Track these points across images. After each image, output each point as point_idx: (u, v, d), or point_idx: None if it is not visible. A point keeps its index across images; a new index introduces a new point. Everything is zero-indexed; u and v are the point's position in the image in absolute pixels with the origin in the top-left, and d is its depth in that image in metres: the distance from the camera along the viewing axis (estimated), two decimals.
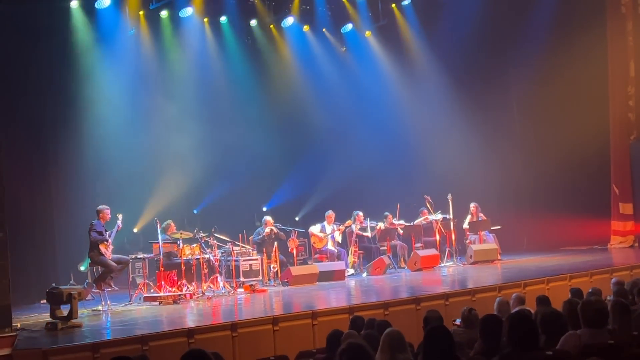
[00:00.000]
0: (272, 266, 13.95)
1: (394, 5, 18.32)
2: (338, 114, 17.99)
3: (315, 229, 15.23)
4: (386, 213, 16.01)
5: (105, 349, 7.85)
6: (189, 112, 15.92)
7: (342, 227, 15.24)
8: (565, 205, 17.25)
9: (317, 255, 15.17)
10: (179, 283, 12.17)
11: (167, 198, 15.08)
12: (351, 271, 14.93)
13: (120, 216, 11.95)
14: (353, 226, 15.42)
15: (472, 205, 16.28)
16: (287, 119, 17.67)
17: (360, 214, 15.59)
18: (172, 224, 13.29)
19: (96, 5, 14.69)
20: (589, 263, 13.40)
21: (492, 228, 16.14)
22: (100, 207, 11.87)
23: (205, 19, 16.65)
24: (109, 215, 11.86)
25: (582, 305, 5.63)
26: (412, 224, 16.09)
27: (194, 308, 11.25)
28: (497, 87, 18.04)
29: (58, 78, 14.17)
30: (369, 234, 15.58)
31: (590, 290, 8.23)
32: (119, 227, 11.91)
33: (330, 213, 15.38)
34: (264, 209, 17.21)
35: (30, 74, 13.65)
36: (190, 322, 9.52)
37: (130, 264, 12.98)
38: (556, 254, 16.09)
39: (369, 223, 15.53)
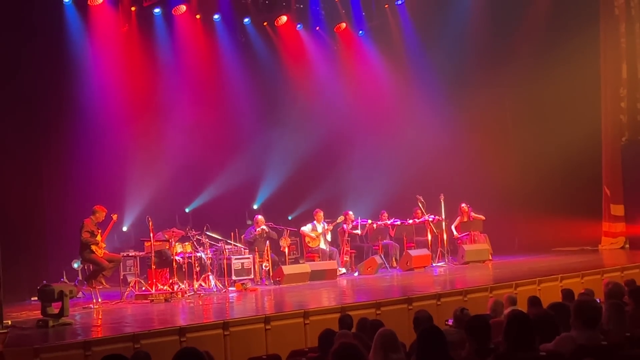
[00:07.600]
0: (264, 265, 13.93)
1: (387, 5, 18.42)
2: (331, 113, 17.92)
3: (306, 229, 15.17)
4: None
5: (97, 346, 7.81)
6: (180, 108, 15.86)
7: (330, 227, 15.23)
8: (556, 206, 17.30)
9: (308, 254, 15.15)
10: (170, 281, 12.14)
11: (158, 196, 15.00)
12: (343, 270, 14.91)
13: (115, 216, 11.99)
14: (345, 225, 15.42)
15: (462, 205, 16.29)
16: (281, 117, 17.59)
17: (350, 213, 15.59)
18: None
19: (89, 2, 14.63)
20: (580, 264, 13.43)
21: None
22: (98, 207, 11.86)
23: (198, 16, 16.59)
24: (103, 217, 11.89)
25: (575, 306, 5.64)
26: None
27: (186, 306, 11.21)
28: (490, 87, 18.02)
29: (50, 74, 14.06)
30: (359, 231, 15.57)
31: (583, 291, 8.25)
32: (113, 221, 11.93)
33: (318, 210, 15.37)
34: (254, 207, 17.17)
35: (22, 70, 13.55)
36: (182, 321, 9.49)
37: (121, 262, 12.94)
38: (547, 255, 16.14)
39: (359, 221, 15.52)
